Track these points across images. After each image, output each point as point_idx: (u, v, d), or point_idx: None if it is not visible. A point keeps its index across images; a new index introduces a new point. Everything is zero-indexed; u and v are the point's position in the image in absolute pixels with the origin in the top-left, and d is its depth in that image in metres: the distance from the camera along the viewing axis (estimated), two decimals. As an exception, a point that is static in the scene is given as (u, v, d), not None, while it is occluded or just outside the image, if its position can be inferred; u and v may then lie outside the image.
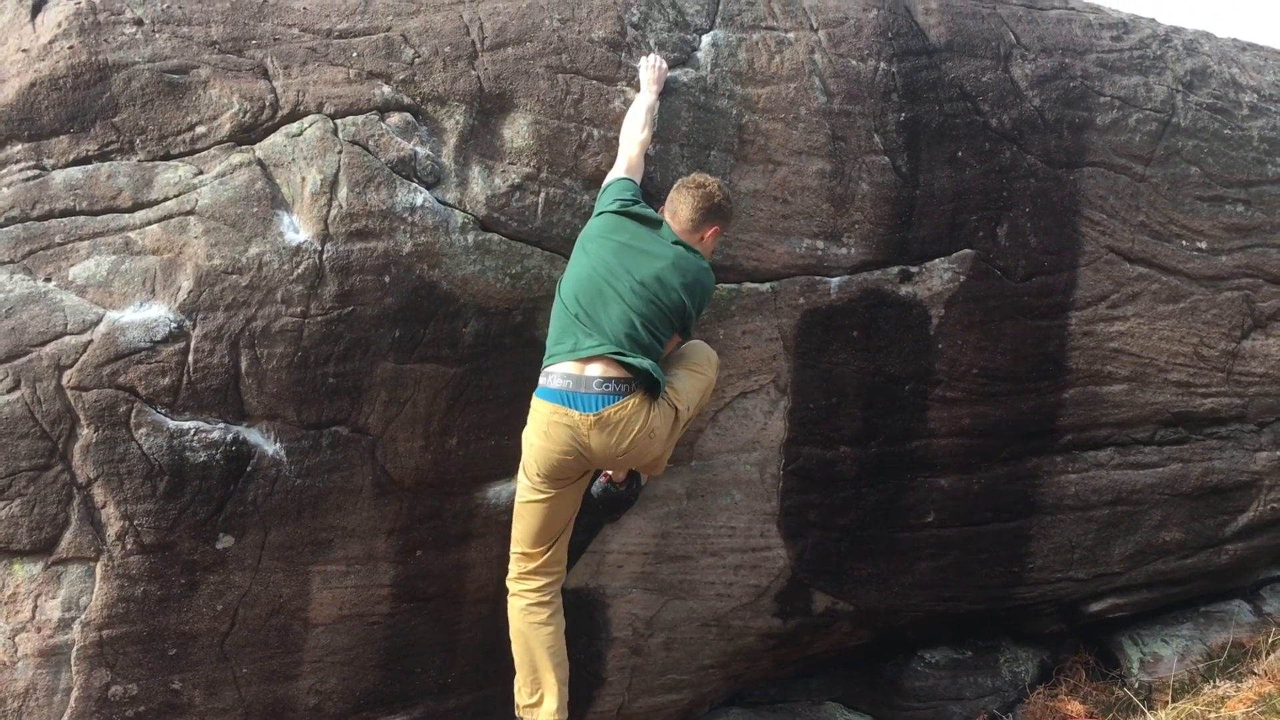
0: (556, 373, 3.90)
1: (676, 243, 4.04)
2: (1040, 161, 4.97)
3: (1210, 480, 5.48)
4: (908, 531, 5.04)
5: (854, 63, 4.74)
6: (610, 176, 4.19)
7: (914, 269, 4.82)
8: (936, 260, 4.84)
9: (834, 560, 4.96)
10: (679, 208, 4.08)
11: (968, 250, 4.87)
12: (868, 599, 5.06)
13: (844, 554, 4.97)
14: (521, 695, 4.24)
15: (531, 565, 4.16)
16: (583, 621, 4.65)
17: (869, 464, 4.90)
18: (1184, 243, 5.27)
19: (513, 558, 4.20)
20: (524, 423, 4.22)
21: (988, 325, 4.94)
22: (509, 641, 4.51)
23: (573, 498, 4.14)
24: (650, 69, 4.34)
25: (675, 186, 4.14)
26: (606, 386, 3.86)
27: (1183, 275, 5.26)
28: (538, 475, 4.00)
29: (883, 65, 4.79)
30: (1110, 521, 5.35)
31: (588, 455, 3.94)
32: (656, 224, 4.06)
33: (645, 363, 3.84)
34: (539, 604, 4.18)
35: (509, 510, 4.35)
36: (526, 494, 4.09)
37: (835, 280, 4.70)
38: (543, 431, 3.92)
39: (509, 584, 4.23)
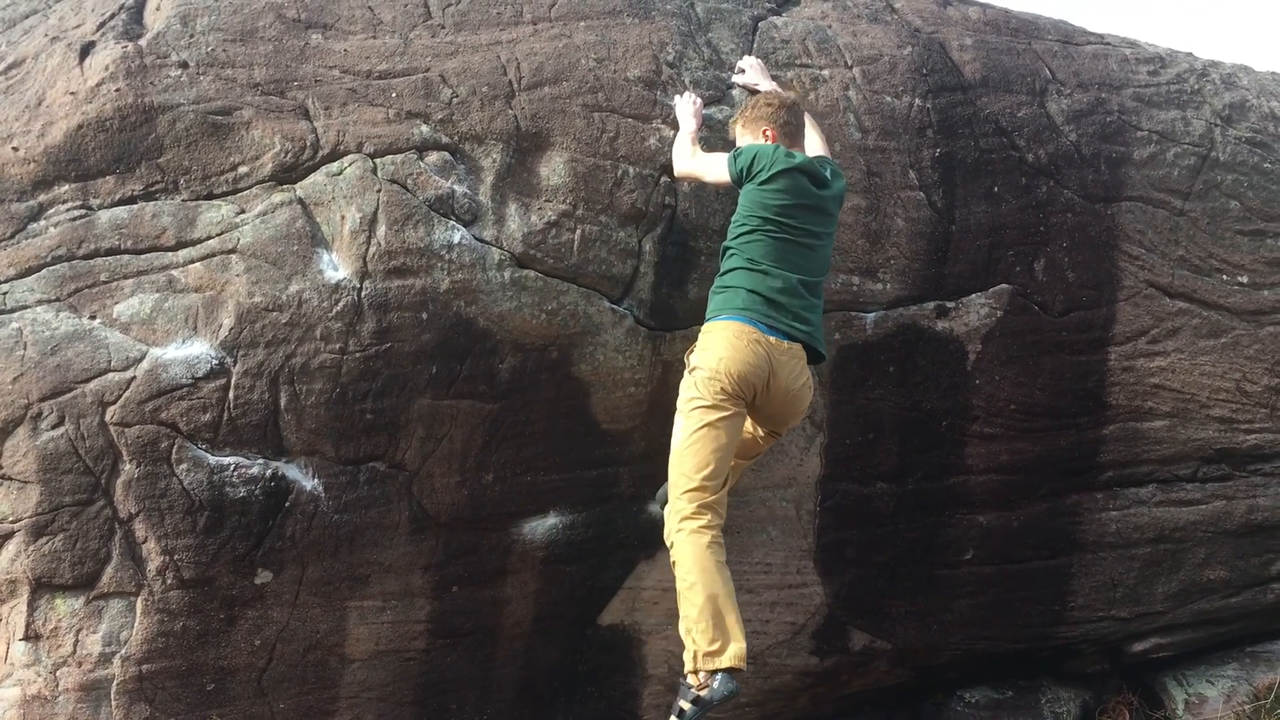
0: (750, 310, 3.94)
1: (826, 174, 4.14)
2: (1077, 196, 4.95)
3: (1255, 518, 5.39)
4: (946, 569, 4.99)
5: (889, 99, 4.76)
6: (708, 157, 4.22)
7: (950, 304, 4.80)
8: (973, 295, 4.82)
9: (872, 598, 4.92)
10: (783, 135, 4.18)
11: (1005, 285, 4.85)
12: (906, 637, 5.01)
13: (882, 591, 4.92)
14: (698, 642, 3.70)
15: (709, 498, 3.84)
16: (618, 658, 4.64)
17: (906, 500, 4.87)
18: (1225, 277, 5.22)
19: (684, 497, 3.83)
20: (560, 459, 4.26)
21: (1025, 360, 4.90)
22: (544, 679, 4.52)
23: (740, 429, 4.02)
24: (688, 104, 4.37)
25: (761, 115, 4.21)
26: (793, 330, 3.98)
27: (1224, 310, 5.21)
28: (721, 391, 3.84)
29: (917, 101, 4.80)
30: (1153, 560, 5.27)
31: (771, 382, 3.93)
32: (816, 170, 4.11)
33: (813, 332, 4.06)
34: (719, 539, 3.82)
35: (544, 546, 4.36)
36: (701, 418, 3.86)
37: (871, 316, 4.69)
38: (740, 345, 3.88)
39: (682, 524, 3.81)
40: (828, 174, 4.18)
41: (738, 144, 4.28)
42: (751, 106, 4.30)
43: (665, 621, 4.66)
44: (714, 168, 4.20)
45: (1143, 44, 5.57)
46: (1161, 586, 5.34)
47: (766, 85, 4.53)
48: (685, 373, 4.01)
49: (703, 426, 3.89)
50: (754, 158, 4.07)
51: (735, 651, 3.68)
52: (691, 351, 4.04)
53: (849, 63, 4.78)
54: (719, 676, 3.67)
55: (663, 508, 4.40)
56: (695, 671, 3.70)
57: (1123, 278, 5.03)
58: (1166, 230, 5.11)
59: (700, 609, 3.71)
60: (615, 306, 4.34)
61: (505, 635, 4.44)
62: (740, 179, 4.10)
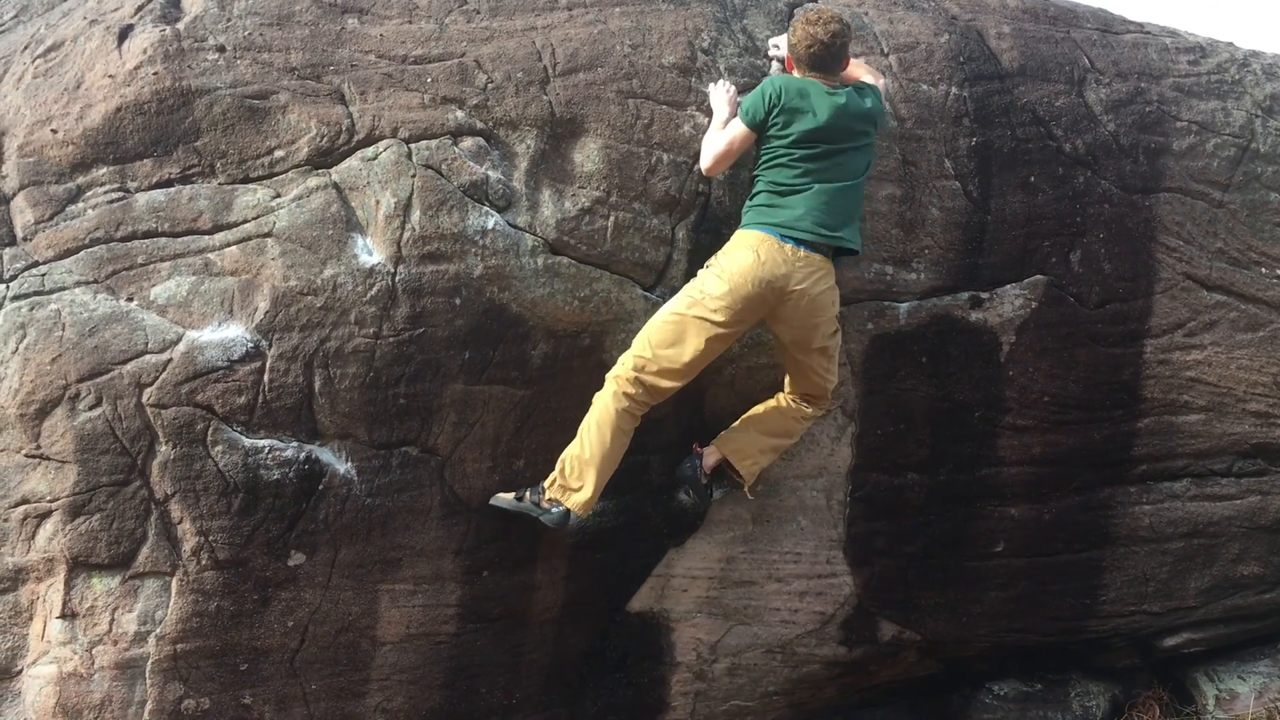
0: (771, 221, 4.08)
1: (831, 94, 4.17)
2: (1115, 187, 4.90)
3: (1290, 514, 5.34)
4: (977, 560, 4.97)
5: (925, 87, 4.72)
6: (725, 130, 4.22)
7: (984, 295, 4.77)
8: (1008, 286, 4.79)
9: (901, 588, 4.90)
10: (813, 65, 4.20)
11: (1040, 276, 4.81)
12: (935, 628, 5.00)
13: (911, 582, 4.91)
14: (567, 474, 4.11)
15: (650, 377, 4.06)
16: (647, 645, 4.65)
17: (937, 491, 4.84)
18: (1263, 270, 5.15)
19: (633, 360, 4.08)
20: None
21: (1060, 352, 4.86)
22: (572, 664, 4.54)
23: (718, 350, 4.14)
24: (722, 92, 4.35)
25: (796, 36, 4.20)
26: (811, 237, 4.07)
27: (1262, 303, 5.14)
28: (720, 297, 4.00)
29: (954, 90, 4.76)
30: (1186, 554, 5.23)
31: (784, 291, 4.04)
32: (827, 89, 4.17)
33: (842, 235, 4.16)
34: (634, 415, 4.11)
35: (575, 532, 4.37)
36: (689, 309, 4.05)
37: (904, 306, 4.66)
38: (755, 252, 4.03)
39: (616, 380, 4.09)
40: (851, 90, 4.21)
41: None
42: (790, 32, 4.30)
43: (694, 609, 4.67)
44: (735, 136, 4.19)
45: (1183, 33, 5.50)
46: (1194, 581, 5.30)
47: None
48: (704, 266, 4.16)
49: (686, 317, 4.05)
50: (759, 104, 4.13)
51: (582, 500, 4.11)
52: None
53: (885, 50, 4.74)
54: (560, 508, 4.11)
55: (685, 494, 4.41)
56: (550, 487, 4.14)
57: (1160, 270, 4.98)
58: (1205, 222, 5.05)
59: (587, 453, 4.10)
60: (648, 294, 4.33)
61: (535, 621, 4.46)
62: (762, 127, 4.15)
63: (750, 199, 4.20)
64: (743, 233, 4.14)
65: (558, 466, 4.14)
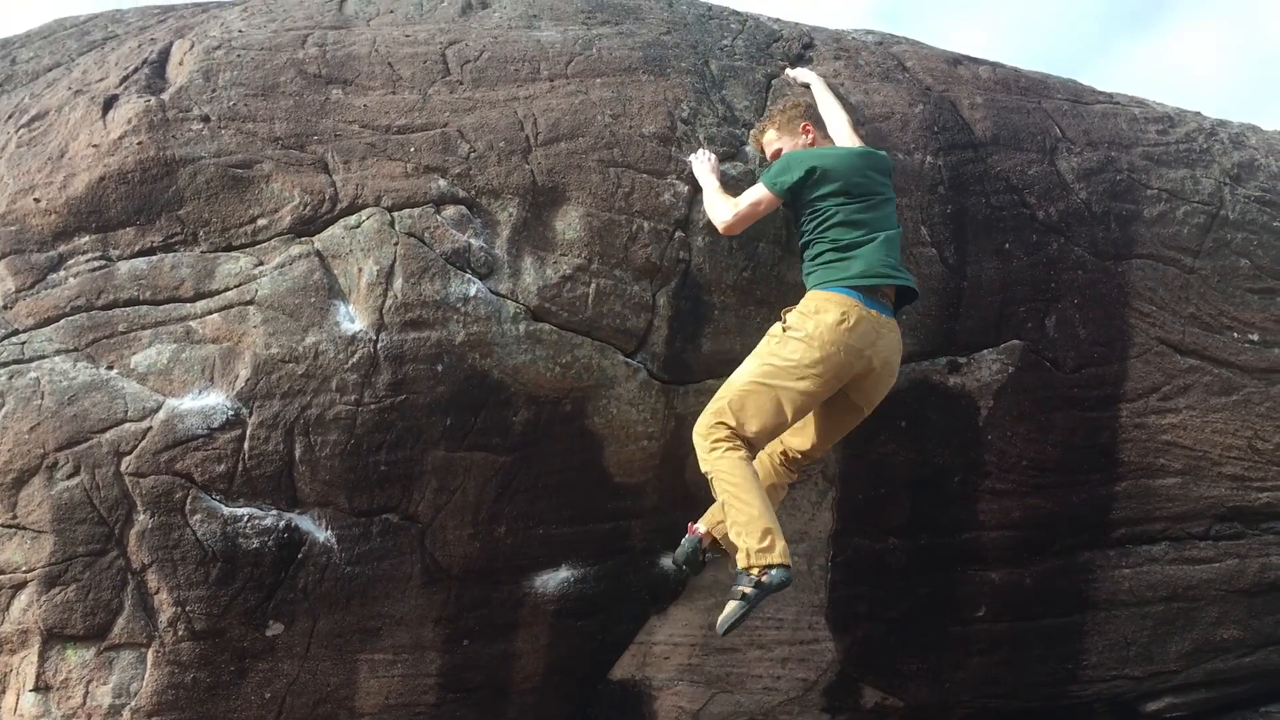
0: (844, 276, 4.09)
1: (840, 150, 4.38)
2: (1088, 253, 4.98)
3: (1268, 576, 5.35)
4: (959, 625, 4.96)
5: (900, 156, 4.80)
6: (745, 197, 4.27)
7: (962, 360, 4.81)
8: (985, 351, 4.83)
9: (884, 654, 4.89)
10: (812, 118, 4.52)
11: (1016, 341, 4.86)
12: (918, 695, 4.97)
13: (894, 648, 4.89)
14: (748, 541, 3.89)
15: (746, 436, 3.99)
16: (628, 714, 4.61)
17: (918, 556, 4.85)
18: (1235, 335, 5.22)
19: (719, 428, 3.98)
20: (572, 512, 4.26)
21: (1037, 417, 4.90)
22: (554, 734, 4.50)
23: (809, 409, 4.13)
24: (704, 162, 4.41)
25: (788, 109, 4.50)
26: (886, 300, 4.17)
27: (1235, 367, 5.21)
28: (811, 365, 3.97)
29: (929, 159, 4.84)
30: (1166, 618, 5.24)
31: (871, 358, 4.06)
32: (843, 149, 4.39)
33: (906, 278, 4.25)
34: (750, 459, 4.02)
35: (556, 599, 4.35)
36: (779, 379, 3.99)
37: (883, 371, 4.70)
38: (844, 315, 4.01)
39: (716, 445, 3.98)
40: (861, 150, 4.40)
41: (768, 149, 4.50)
42: (781, 111, 4.51)
43: (676, 677, 4.64)
44: (761, 199, 4.24)
45: (1151, 103, 5.62)
46: (1175, 645, 5.30)
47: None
48: (779, 327, 4.11)
49: (773, 388, 4.00)
50: (789, 174, 4.20)
51: (782, 549, 3.91)
52: (790, 310, 4.14)
53: (861, 120, 4.82)
54: (772, 569, 3.88)
55: (679, 566, 4.38)
56: (750, 567, 3.90)
57: (1134, 335, 5.04)
58: (1177, 288, 5.12)
59: (748, 514, 3.91)
60: (629, 360, 4.35)
61: (515, 690, 4.42)
62: (793, 194, 4.20)
63: (811, 261, 4.21)
64: (820, 295, 4.09)
65: (736, 552, 3.98)
